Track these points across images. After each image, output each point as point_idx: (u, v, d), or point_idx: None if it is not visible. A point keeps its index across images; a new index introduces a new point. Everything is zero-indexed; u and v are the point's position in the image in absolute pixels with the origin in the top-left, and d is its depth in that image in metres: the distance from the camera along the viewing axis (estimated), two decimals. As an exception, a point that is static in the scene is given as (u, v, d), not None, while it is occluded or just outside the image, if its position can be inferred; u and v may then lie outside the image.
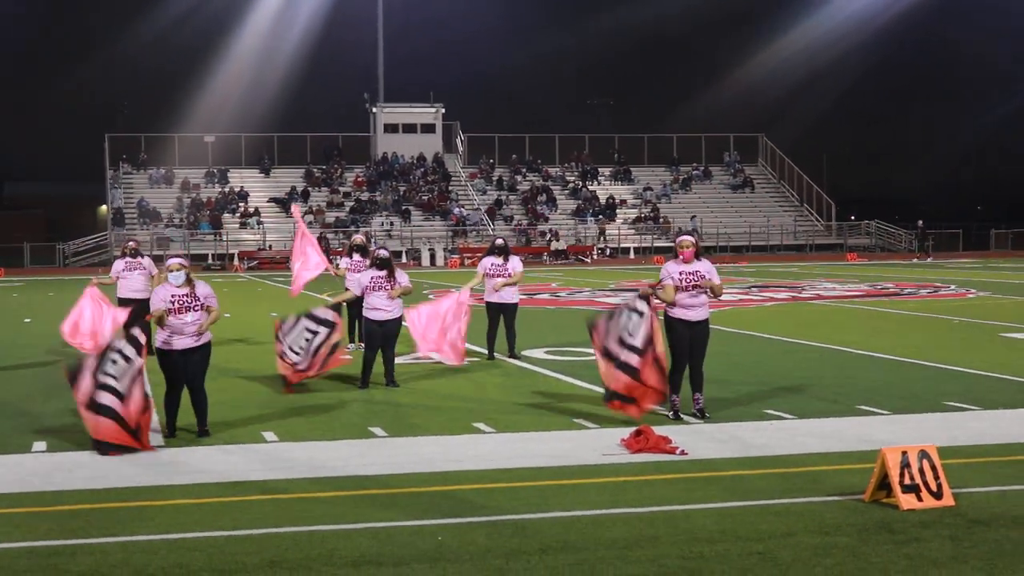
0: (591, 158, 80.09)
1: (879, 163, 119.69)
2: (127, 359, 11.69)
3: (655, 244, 68.17)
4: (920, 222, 66.79)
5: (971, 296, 33.01)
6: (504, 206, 72.19)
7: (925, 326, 24.31)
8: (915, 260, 61.11)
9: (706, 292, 13.20)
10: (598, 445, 11.73)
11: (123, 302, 19.35)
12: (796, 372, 17.13)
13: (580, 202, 73.98)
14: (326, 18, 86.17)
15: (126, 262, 19.83)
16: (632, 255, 66.85)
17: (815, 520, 8.83)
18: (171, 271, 12.49)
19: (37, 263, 63.00)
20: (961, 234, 75.52)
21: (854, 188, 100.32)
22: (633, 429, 11.78)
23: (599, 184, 77.55)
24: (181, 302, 12.30)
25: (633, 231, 71.09)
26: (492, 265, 18.84)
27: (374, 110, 77.82)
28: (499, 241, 19.41)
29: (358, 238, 21.02)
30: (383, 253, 16.17)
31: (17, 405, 14.79)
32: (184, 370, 12.44)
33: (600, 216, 72.09)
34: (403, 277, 16.09)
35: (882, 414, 13.51)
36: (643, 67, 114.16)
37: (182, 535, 8.56)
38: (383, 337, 15.93)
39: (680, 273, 13.19)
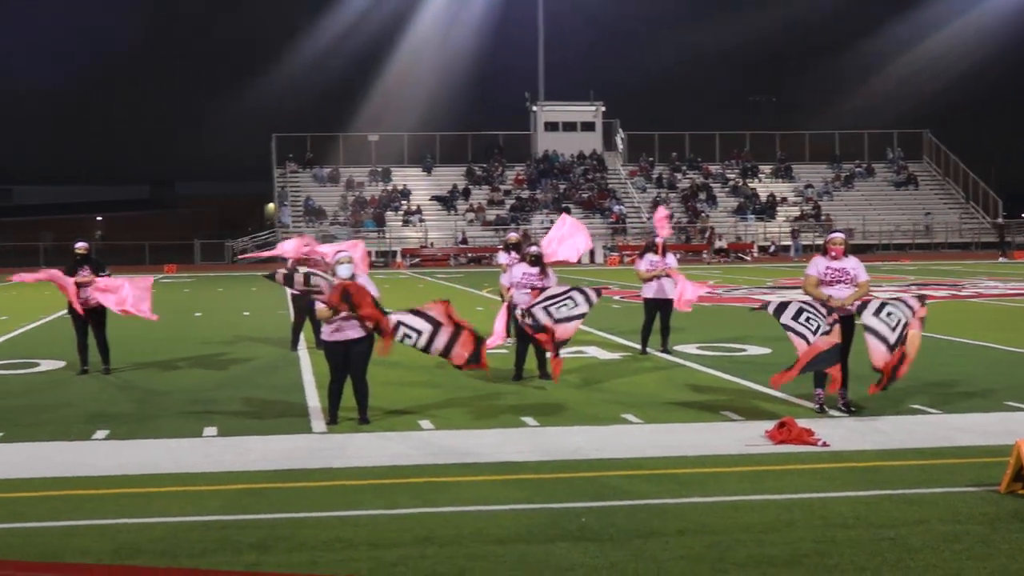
0: (751, 155, 79.71)
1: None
2: None
3: (816, 242, 67.59)
4: (999, 218, 64.87)
5: None
6: (664, 204, 72.26)
7: (1086, 324, 24.01)
8: (1001, 259, 59.61)
9: (853, 288, 13.43)
10: (742, 436, 12.05)
11: (295, 299, 19.86)
12: (945, 368, 17.14)
13: (740, 200, 73.74)
14: (488, 19, 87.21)
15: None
16: (792, 253, 66.36)
17: (949, 509, 9.07)
18: (340, 264, 13.08)
19: (207, 260, 65.01)
20: None
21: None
22: (777, 421, 12.09)
23: (759, 181, 77.18)
24: (343, 295, 12.89)
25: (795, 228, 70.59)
26: (651, 260, 19.22)
27: (534, 109, 78.50)
28: (657, 239, 19.77)
29: (513, 236, 21.53)
30: (535, 250, 16.60)
31: (190, 393, 15.60)
32: (347, 360, 13.03)
33: (763, 215, 71.83)
34: (552, 277, 16.45)
35: (1030, 410, 13.59)
36: (805, 62, 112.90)
37: (343, 512, 9.14)
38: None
39: (827, 268, 13.47)
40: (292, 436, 12.42)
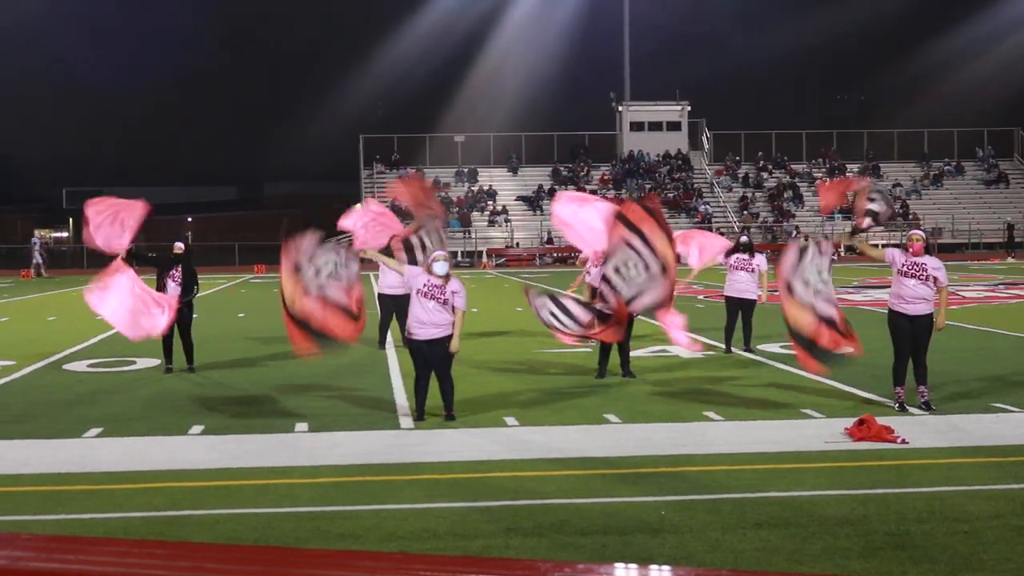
0: (839, 154, 79.20)
1: None
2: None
3: (905, 241, 66.85)
4: (1009, 217, 64.57)
5: None
6: (750, 203, 72.09)
7: None
8: (1010, 259, 58.89)
9: (930, 287, 13.55)
10: (822, 433, 12.21)
11: (381, 298, 20.13)
12: (1031, 368, 17.18)
13: (826, 198, 73.25)
14: (573, 19, 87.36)
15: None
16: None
17: (1024, 504, 9.21)
18: (436, 260, 13.41)
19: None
20: None
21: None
22: (856, 419, 12.23)
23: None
24: (430, 289, 13.21)
25: (881, 228, 69.85)
26: (737, 259, 19.38)
27: (620, 108, 78.59)
28: (744, 238, 19.95)
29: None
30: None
31: (281, 390, 16.01)
32: (430, 358, 13.35)
33: (850, 215, 71.37)
34: None
35: (1112, 409, 13.60)
36: (892, 59, 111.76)
37: (428, 505, 9.45)
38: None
39: (905, 261, 13.64)
40: (380, 432, 12.75)
